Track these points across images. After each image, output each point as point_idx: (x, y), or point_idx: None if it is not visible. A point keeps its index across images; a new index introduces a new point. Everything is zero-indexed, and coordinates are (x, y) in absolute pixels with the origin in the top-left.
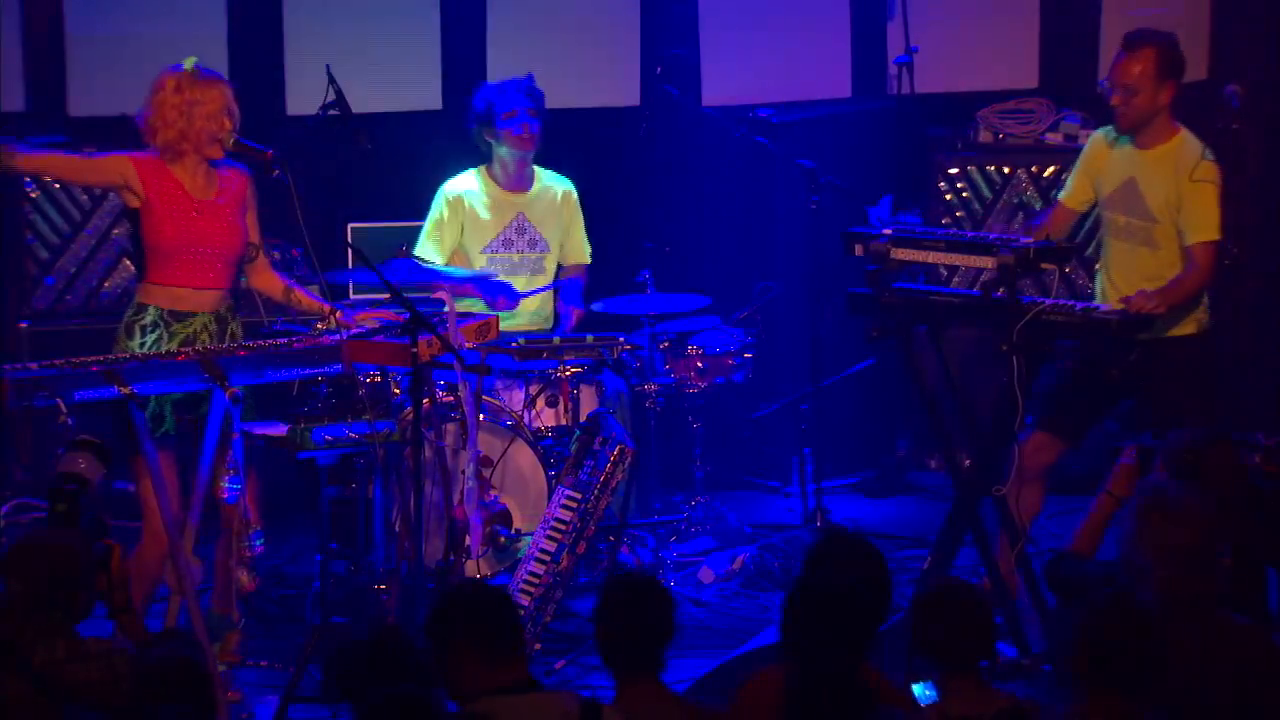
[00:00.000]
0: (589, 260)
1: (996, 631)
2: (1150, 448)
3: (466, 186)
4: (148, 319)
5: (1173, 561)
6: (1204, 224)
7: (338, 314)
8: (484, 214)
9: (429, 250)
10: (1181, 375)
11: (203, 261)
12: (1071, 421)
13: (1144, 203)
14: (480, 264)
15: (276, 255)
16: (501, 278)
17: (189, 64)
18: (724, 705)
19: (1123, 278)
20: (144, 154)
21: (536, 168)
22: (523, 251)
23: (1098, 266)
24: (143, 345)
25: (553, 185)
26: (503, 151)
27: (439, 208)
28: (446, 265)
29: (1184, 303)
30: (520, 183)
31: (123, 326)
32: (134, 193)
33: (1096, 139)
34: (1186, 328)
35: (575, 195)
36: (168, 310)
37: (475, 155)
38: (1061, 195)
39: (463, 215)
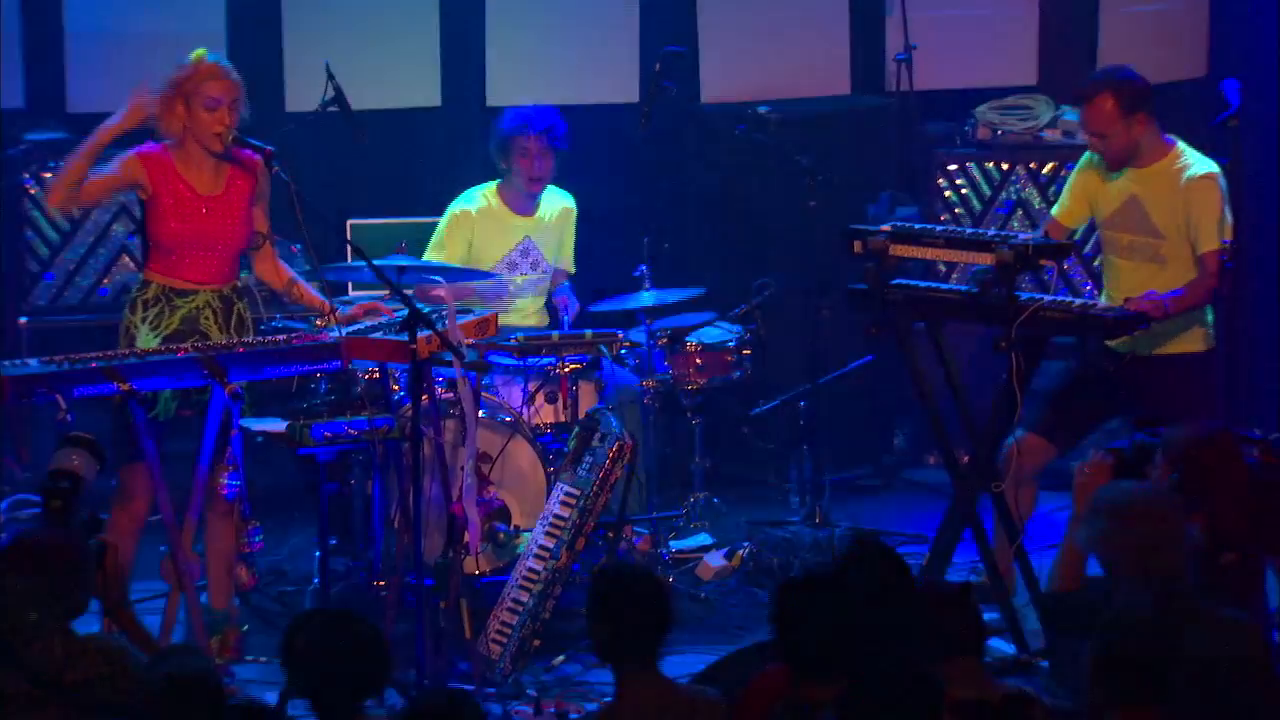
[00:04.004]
0: (573, 270)
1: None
2: (1138, 450)
3: (476, 207)
4: (150, 294)
5: (1136, 559)
6: (1212, 234)
7: (338, 314)
8: (491, 236)
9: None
10: (1183, 391)
11: (204, 257)
12: (1066, 428)
13: (1149, 220)
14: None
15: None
16: (506, 300)
17: (196, 55)
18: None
19: (1130, 295)
20: (152, 149)
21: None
22: (526, 274)
23: (1103, 288)
24: (144, 320)
25: (555, 204)
26: (514, 180)
27: (444, 226)
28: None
29: (1190, 309)
30: (529, 206)
31: (128, 304)
32: (144, 188)
33: (1090, 160)
34: (1191, 344)
35: (574, 211)
36: (170, 287)
37: (473, 152)
38: (1055, 211)
39: (470, 236)
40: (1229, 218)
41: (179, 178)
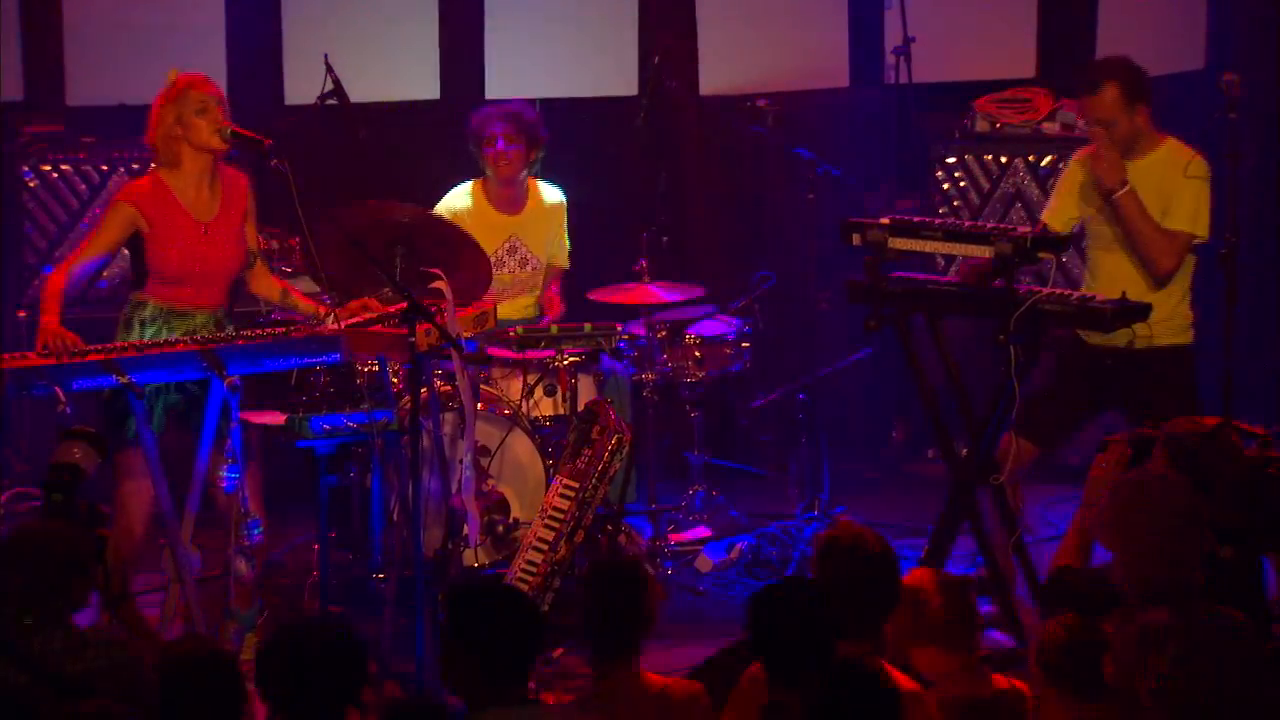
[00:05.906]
0: (567, 265)
1: (980, 617)
2: (1139, 443)
3: (459, 207)
4: (147, 313)
5: (1150, 553)
6: (1186, 215)
7: (335, 313)
8: (476, 236)
9: None
10: (1166, 385)
11: (206, 282)
12: (1047, 428)
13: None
14: None
15: (275, 245)
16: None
17: (170, 76)
18: (719, 694)
19: (1116, 289)
20: (141, 184)
21: (532, 182)
22: (513, 272)
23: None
24: (142, 339)
25: (545, 200)
26: (488, 172)
27: None
28: None
29: (1129, 221)
30: (512, 203)
31: (121, 322)
32: (141, 226)
33: (1077, 163)
34: (1180, 336)
35: (564, 205)
36: (168, 308)
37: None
38: (1045, 215)
39: None
40: (1206, 212)
41: (175, 204)
